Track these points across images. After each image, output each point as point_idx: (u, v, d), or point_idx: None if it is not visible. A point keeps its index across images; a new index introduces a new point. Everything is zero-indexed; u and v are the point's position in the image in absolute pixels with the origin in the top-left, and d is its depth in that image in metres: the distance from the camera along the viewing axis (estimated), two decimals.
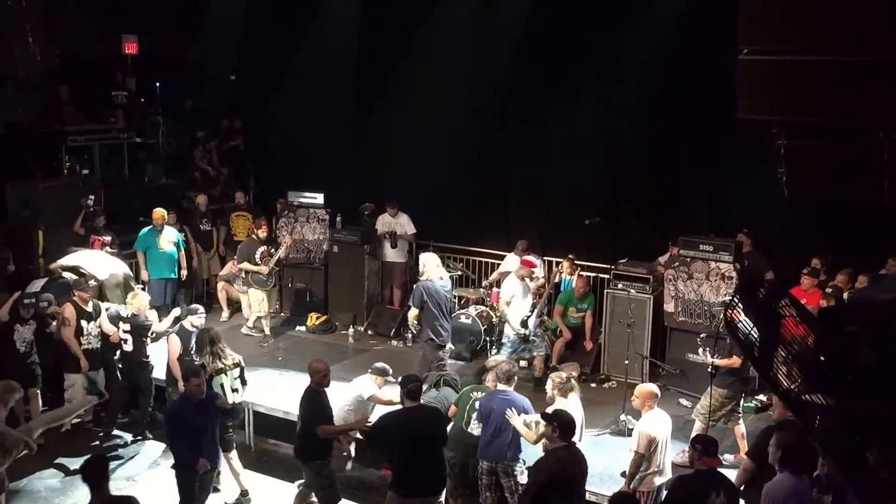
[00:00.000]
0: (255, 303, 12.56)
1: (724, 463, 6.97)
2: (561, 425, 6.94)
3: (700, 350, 9.24)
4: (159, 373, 10.18)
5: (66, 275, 11.13)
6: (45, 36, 14.52)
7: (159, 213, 12.59)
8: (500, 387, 8.09)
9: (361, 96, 15.78)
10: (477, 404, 8.18)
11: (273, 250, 12.50)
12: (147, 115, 15.85)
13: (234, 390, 8.97)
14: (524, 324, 10.57)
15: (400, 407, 7.83)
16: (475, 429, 8.18)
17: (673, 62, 12.44)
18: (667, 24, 12.45)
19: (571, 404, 7.94)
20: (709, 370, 9.03)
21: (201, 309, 10.11)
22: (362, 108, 15.78)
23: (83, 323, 10.13)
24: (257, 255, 12.43)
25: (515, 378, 8.22)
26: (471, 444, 8.16)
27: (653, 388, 8.06)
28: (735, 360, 8.90)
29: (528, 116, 14.26)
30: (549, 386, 8.24)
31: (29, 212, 12.91)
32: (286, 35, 16.01)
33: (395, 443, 7.56)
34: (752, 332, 5.60)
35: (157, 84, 16.34)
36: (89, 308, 10.22)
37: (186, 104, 16.78)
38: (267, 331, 12.59)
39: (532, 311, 10.60)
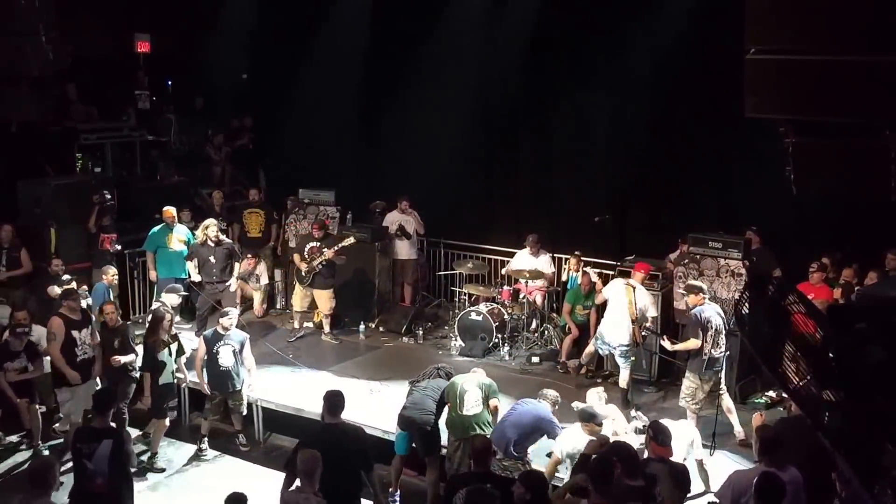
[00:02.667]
0: (296, 297, 12.60)
1: (673, 453, 7.02)
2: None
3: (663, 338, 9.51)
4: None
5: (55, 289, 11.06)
6: (57, 35, 14.50)
7: (170, 211, 12.61)
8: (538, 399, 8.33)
9: (372, 94, 15.80)
10: (465, 386, 8.45)
11: (325, 249, 12.33)
12: (159, 113, 15.89)
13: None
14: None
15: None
16: (469, 409, 8.40)
17: (681, 61, 12.47)
18: (675, 22, 12.48)
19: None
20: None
21: (232, 311, 10.23)
22: (373, 105, 15.81)
23: (74, 333, 9.51)
24: (306, 250, 12.46)
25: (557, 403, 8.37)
26: (467, 425, 8.39)
27: None
28: (693, 343, 9.19)
29: (537, 114, 14.30)
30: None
31: (41, 210, 12.94)
32: (298, 34, 16.07)
33: None
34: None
35: (169, 82, 16.46)
36: (78, 316, 9.69)
37: (198, 103, 16.82)
38: (296, 324, 12.70)
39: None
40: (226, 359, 9.82)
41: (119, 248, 12.68)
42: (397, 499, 8.90)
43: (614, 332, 10.28)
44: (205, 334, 10.10)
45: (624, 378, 10.30)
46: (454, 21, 14.58)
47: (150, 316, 9.84)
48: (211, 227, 11.88)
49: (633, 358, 10.34)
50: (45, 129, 14.34)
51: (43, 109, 14.37)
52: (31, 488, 6.41)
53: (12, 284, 11.80)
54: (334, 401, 7.27)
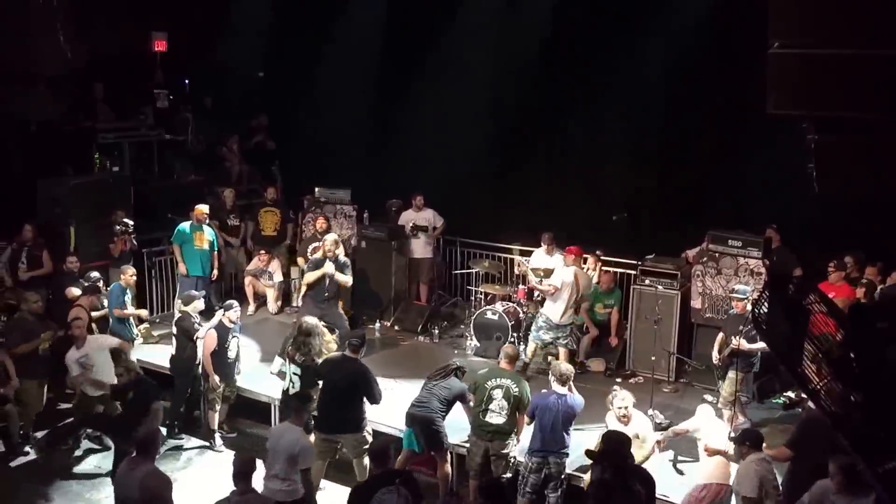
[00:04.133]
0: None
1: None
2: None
3: (733, 339, 9.30)
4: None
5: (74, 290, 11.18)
6: (74, 33, 14.54)
7: (200, 209, 12.56)
8: (556, 388, 8.31)
9: (388, 92, 15.80)
10: (496, 393, 8.45)
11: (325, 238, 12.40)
12: (176, 112, 15.92)
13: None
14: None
15: None
16: (493, 417, 8.45)
17: (701, 56, 12.41)
18: (695, 17, 12.43)
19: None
20: (719, 360, 9.61)
21: (236, 304, 10.29)
22: (388, 103, 15.81)
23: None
24: (309, 251, 12.49)
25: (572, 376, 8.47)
26: (487, 431, 8.48)
27: None
28: (762, 345, 9.00)
29: (553, 111, 14.24)
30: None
31: (60, 209, 12.98)
32: (313, 32, 16.10)
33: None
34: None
35: (186, 81, 16.49)
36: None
37: (207, 102, 16.87)
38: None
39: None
40: (233, 351, 10.10)
41: (136, 244, 12.67)
42: None
43: (559, 312, 10.71)
44: (214, 327, 10.06)
45: (564, 354, 10.74)
46: (469, 18, 14.57)
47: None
48: (328, 241, 11.51)
49: (570, 337, 10.97)
50: (63, 129, 14.42)
51: (61, 108, 14.51)
52: (138, 454, 6.85)
53: (33, 284, 11.80)
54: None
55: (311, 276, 11.33)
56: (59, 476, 9.59)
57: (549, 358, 11.01)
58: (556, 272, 11.01)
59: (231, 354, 10.08)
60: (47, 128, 14.37)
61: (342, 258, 11.68)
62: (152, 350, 11.59)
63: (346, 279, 11.39)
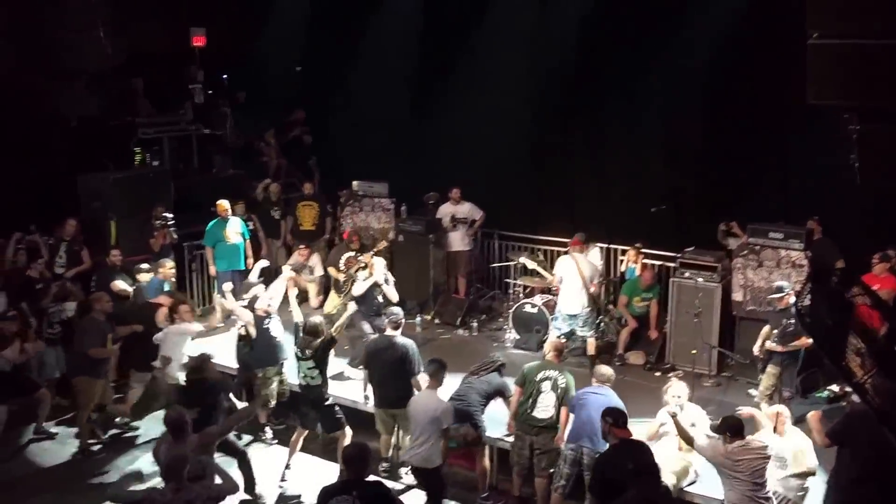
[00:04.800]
0: (329, 302, 12.69)
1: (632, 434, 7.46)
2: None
3: (771, 341, 9.24)
4: None
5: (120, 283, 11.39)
6: (114, 30, 14.66)
7: (223, 205, 12.77)
8: (596, 384, 8.41)
9: (425, 85, 15.83)
10: (544, 386, 8.51)
11: (359, 256, 12.41)
12: (214, 107, 16.11)
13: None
14: None
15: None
16: (540, 412, 8.50)
17: (740, 45, 12.31)
18: (734, 6, 12.32)
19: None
20: (758, 352, 9.58)
21: (261, 291, 10.38)
22: (426, 96, 15.83)
23: None
24: (342, 261, 12.61)
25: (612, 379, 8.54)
26: (533, 425, 8.52)
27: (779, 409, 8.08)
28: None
29: (591, 103, 14.18)
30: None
31: (101, 203, 13.23)
32: (350, 26, 16.18)
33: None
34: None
35: (224, 76, 16.65)
36: None
37: (241, 97, 17.01)
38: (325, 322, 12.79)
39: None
40: (276, 330, 10.14)
41: (176, 237, 12.84)
42: None
43: (572, 303, 10.87)
44: (255, 315, 10.15)
45: (592, 345, 10.98)
46: (506, 8, 14.57)
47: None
48: (378, 265, 11.37)
49: (601, 325, 11.30)
50: (104, 124, 14.64)
51: (101, 104, 14.71)
52: (171, 437, 7.09)
53: (73, 278, 12.03)
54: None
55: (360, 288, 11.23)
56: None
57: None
58: (556, 265, 11.27)
59: (275, 333, 10.09)
60: (88, 123, 14.60)
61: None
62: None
63: (393, 294, 11.35)
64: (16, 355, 9.95)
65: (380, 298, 11.13)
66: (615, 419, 7.36)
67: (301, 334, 9.28)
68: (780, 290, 9.56)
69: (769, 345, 9.28)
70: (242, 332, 10.17)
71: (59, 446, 10.37)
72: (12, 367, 9.98)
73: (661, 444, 8.22)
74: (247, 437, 10.35)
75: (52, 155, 14.43)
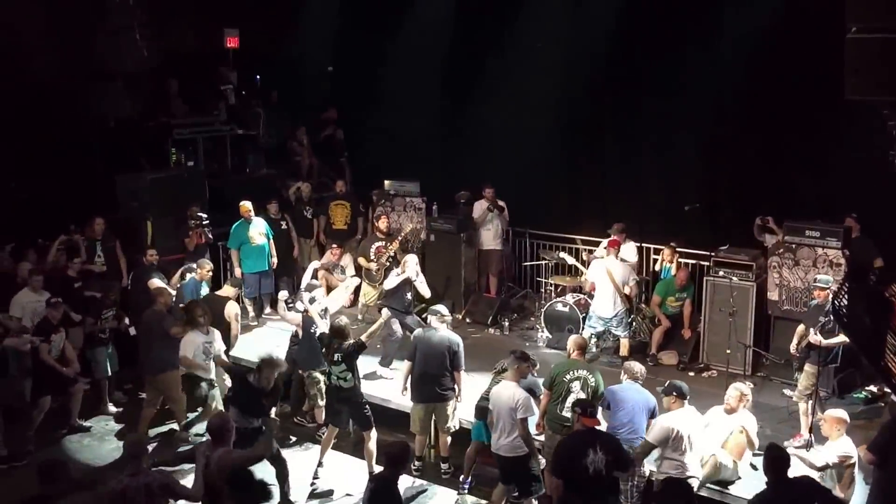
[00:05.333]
0: (363, 294, 12.91)
1: (601, 422, 7.75)
2: None
3: (813, 334, 9.07)
4: None
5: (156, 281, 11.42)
6: (151, 32, 14.78)
7: (245, 206, 12.81)
8: (628, 381, 8.38)
9: (457, 83, 15.81)
10: (574, 386, 8.44)
11: (389, 245, 12.64)
12: (247, 107, 16.20)
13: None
14: None
15: None
16: (567, 411, 8.38)
17: (777, 41, 12.13)
18: (770, 2, 12.15)
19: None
20: (794, 351, 9.47)
21: (320, 295, 10.41)
22: (458, 94, 15.81)
23: None
24: (372, 251, 12.61)
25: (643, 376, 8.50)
26: (565, 425, 8.41)
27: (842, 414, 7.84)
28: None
29: (624, 100, 14.08)
30: (734, 398, 8.29)
31: (137, 203, 13.34)
32: (381, 24, 16.18)
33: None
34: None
35: (258, 77, 16.73)
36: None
37: (273, 96, 17.08)
38: (359, 317, 12.91)
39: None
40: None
41: (211, 238, 12.94)
42: (467, 486, 9.02)
43: (606, 306, 11.08)
44: (301, 312, 10.25)
45: (625, 346, 11.20)
46: (538, 6, 14.50)
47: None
48: (411, 262, 11.25)
49: (633, 325, 11.50)
50: (140, 125, 14.74)
51: (137, 105, 14.81)
52: (213, 442, 7.01)
53: (107, 276, 12.15)
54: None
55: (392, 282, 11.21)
56: None
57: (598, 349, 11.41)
58: (588, 270, 11.39)
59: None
60: (125, 124, 14.69)
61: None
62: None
63: (426, 290, 11.34)
64: (62, 343, 10.15)
65: (409, 296, 11.14)
66: (583, 409, 7.49)
67: (326, 341, 9.28)
68: (823, 282, 9.40)
69: (811, 337, 9.11)
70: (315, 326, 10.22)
71: (97, 442, 10.49)
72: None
73: (703, 438, 8.16)
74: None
75: (91, 156, 14.56)
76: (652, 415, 8.23)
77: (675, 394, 7.93)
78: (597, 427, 7.50)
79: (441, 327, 9.42)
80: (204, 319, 9.98)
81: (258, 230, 12.85)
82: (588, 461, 7.09)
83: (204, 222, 12.86)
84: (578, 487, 7.13)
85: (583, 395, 8.41)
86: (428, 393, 9.28)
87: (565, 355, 9.13)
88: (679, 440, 7.70)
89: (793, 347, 9.57)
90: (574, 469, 7.13)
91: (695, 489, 7.90)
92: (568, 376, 8.51)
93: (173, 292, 11.33)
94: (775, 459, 6.54)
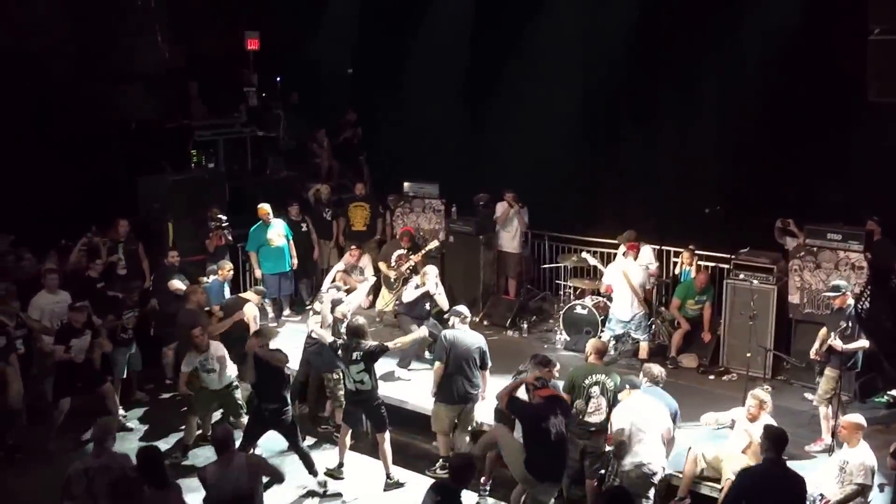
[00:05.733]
0: (381, 298, 12.98)
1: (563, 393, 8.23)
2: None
3: (833, 338, 8.98)
4: None
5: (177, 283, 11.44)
6: (172, 34, 14.86)
7: (264, 209, 12.82)
8: (647, 385, 8.33)
9: (475, 85, 15.85)
10: (594, 391, 8.38)
11: (410, 255, 12.66)
12: (267, 109, 16.25)
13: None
14: None
15: None
16: (592, 416, 8.38)
17: (798, 42, 12.09)
18: (791, 2, 12.13)
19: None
20: (815, 355, 9.29)
21: (346, 297, 10.45)
22: (476, 97, 15.87)
23: None
24: (393, 258, 12.68)
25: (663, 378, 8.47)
26: (587, 430, 8.40)
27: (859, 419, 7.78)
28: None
29: (644, 101, 14.06)
30: (754, 406, 8.21)
31: (159, 204, 13.36)
32: (401, 27, 16.26)
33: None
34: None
35: (278, 79, 16.75)
36: None
37: (293, 98, 17.10)
38: (378, 319, 12.95)
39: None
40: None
41: (231, 239, 12.97)
42: (488, 489, 8.95)
43: (624, 310, 11.10)
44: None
45: (644, 349, 11.19)
46: (557, 10, 14.51)
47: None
48: (431, 274, 11.25)
49: (653, 327, 11.42)
50: (161, 127, 14.81)
51: (159, 107, 14.85)
52: (219, 453, 7.12)
53: (128, 278, 12.17)
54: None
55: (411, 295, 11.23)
56: None
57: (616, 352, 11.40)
58: (605, 274, 11.39)
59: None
60: (146, 126, 14.76)
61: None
62: None
63: (444, 303, 11.32)
64: (86, 346, 10.13)
65: (428, 307, 11.15)
66: (539, 384, 8.00)
67: (341, 341, 9.28)
68: (836, 288, 9.24)
69: (831, 341, 9.02)
70: (313, 333, 10.28)
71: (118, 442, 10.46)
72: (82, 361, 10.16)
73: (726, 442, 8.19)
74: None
75: (112, 157, 14.60)
76: (674, 418, 8.18)
77: (627, 386, 8.28)
78: (553, 394, 7.99)
79: (466, 328, 9.41)
80: (201, 340, 9.87)
81: (277, 232, 12.88)
82: (550, 424, 7.65)
83: (224, 224, 12.86)
84: (545, 449, 7.74)
85: (603, 400, 8.36)
86: (460, 393, 9.24)
87: (583, 358, 9.08)
88: (635, 433, 7.91)
89: (813, 351, 9.46)
90: (540, 432, 7.68)
91: (655, 480, 7.95)
92: (587, 381, 8.46)
93: None
94: (777, 438, 6.85)
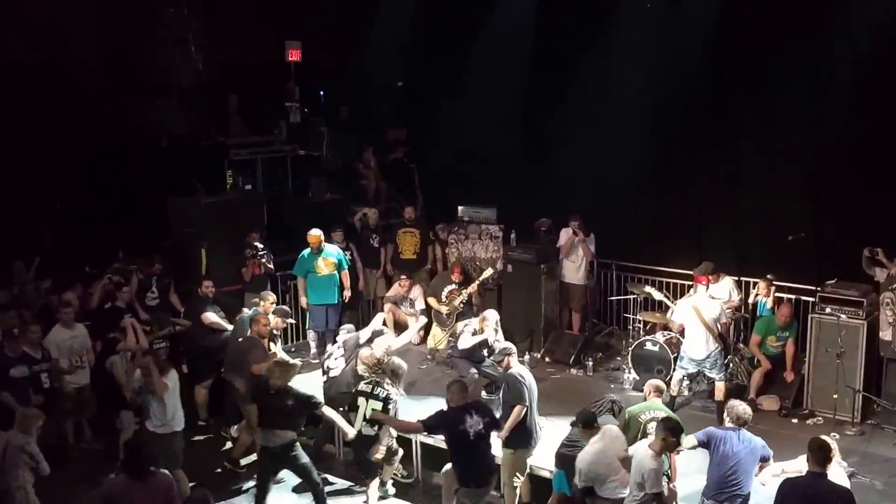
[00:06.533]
0: (432, 337, 13.41)
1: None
2: None
3: None
4: None
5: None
6: (206, 44, 15.21)
7: (315, 236, 13.09)
8: (730, 425, 8.39)
9: (536, 103, 15.99)
10: (651, 427, 8.65)
11: (462, 290, 13.16)
12: (310, 125, 16.41)
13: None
14: None
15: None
16: None
17: (887, 59, 12.27)
18: (880, 18, 12.33)
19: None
20: None
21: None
22: (538, 116, 16.01)
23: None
24: (444, 293, 13.16)
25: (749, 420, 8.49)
26: None
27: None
28: None
29: (720, 121, 14.17)
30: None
31: (192, 229, 13.82)
32: (456, 40, 16.51)
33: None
34: None
35: (321, 92, 17.13)
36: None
37: (343, 112, 17.37)
38: (430, 357, 13.41)
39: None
40: None
41: (272, 267, 13.42)
42: None
43: (698, 348, 10.99)
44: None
45: (720, 390, 11.01)
46: (625, 24, 14.77)
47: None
48: (489, 322, 11.61)
49: (730, 366, 11.43)
50: (195, 144, 15.11)
51: (193, 122, 15.14)
52: None
53: (160, 308, 12.94)
54: None
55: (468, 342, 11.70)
56: None
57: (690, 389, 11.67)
58: (675, 311, 11.48)
59: None
60: (179, 143, 15.10)
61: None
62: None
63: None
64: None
65: (485, 353, 11.53)
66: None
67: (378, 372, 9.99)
68: None
69: None
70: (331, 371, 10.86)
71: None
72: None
73: None
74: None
75: (142, 176, 15.07)
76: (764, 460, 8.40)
77: (581, 425, 8.87)
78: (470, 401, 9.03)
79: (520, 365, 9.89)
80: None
81: (328, 259, 13.14)
82: (467, 426, 8.66)
83: (260, 252, 13.24)
84: (464, 453, 8.86)
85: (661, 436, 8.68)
86: (536, 436, 9.73)
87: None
88: (613, 473, 8.48)
89: None
90: (457, 435, 8.74)
91: None
92: (644, 416, 8.87)
93: (229, 326, 11.92)
94: (819, 448, 7.30)
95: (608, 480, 8.44)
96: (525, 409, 9.36)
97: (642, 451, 8.25)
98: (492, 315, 11.65)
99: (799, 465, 8.05)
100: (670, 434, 8.13)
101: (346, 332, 11.27)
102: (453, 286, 13.28)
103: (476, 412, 8.84)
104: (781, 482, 7.58)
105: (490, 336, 11.42)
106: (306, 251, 13.28)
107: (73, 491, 10.14)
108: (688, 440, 8.49)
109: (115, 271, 12.71)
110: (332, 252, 13.33)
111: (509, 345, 10.05)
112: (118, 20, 14.66)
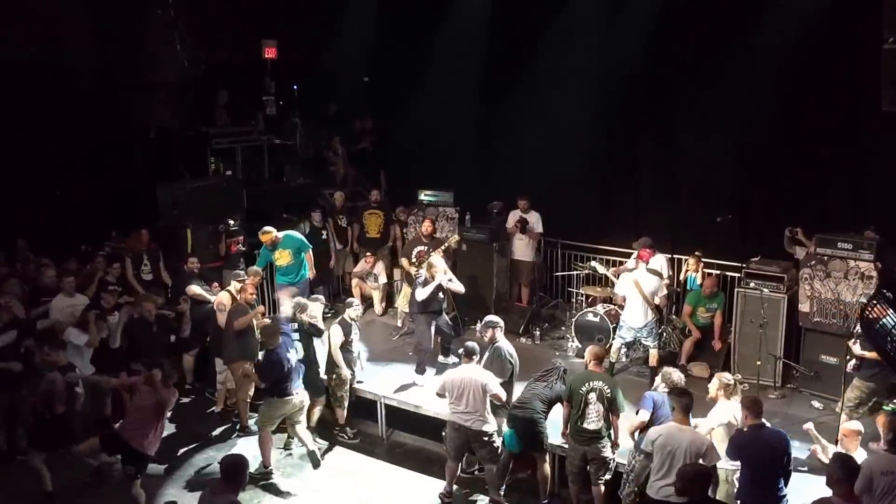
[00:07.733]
0: (402, 297, 12.85)
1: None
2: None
3: (853, 342, 9.04)
4: None
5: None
6: (191, 43, 15.01)
7: (266, 234, 12.06)
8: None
9: (490, 95, 15.82)
10: (591, 397, 8.36)
11: (432, 251, 12.45)
12: (285, 117, 16.34)
13: None
14: None
15: None
16: (590, 423, 8.38)
17: (811, 52, 12.02)
18: (806, 11, 12.03)
19: (732, 407, 8.06)
20: (850, 367, 9.14)
21: (356, 301, 10.70)
22: (491, 105, 15.83)
23: None
24: (414, 254, 12.65)
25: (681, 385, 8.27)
26: (584, 436, 8.41)
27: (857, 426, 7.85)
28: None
29: (658, 109, 14.02)
30: (713, 386, 8.29)
31: (178, 211, 13.31)
32: (416, 38, 16.24)
33: None
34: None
35: (295, 87, 16.83)
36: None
37: (331, 108, 17.26)
38: (399, 323, 12.92)
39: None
40: (356, 345, 10.42)
41: (244, 249, 13.02)
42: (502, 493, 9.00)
43: (637, 317, 10.75)
44: (338, 323, 10.30)
45: (654, 357, 10.80)
46: (573, 17, 14.49)
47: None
48: (438, 270, 11.12)
49: (663, 335, 11.14)
50: (180, 134, 14.94)
51: (178, 115, 15.04)
52: (224, 482, 6.47)
53: (153, 283, 12.29)
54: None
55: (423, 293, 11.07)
56: None
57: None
58: (617, 284, 11.22)
59: (355, 348, 10.39)
60: (166, 133, 14.92)
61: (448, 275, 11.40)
62: None
63: (459, 287, 11.33)
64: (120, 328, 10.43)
65: (441, 296, 11.15)
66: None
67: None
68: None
69: (855, 349, 9.05)
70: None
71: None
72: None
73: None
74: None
75: (133, 164, 14.82)
76: None
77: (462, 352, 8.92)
78: None
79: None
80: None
81: (283, 251, 12.24)
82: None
83: (231, 228, 12.91)
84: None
85: (599, 406, 8.36)
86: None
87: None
88: (461, 396, 8.62)
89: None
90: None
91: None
92: (584, 388, 8.45)
93: (212, 298, 11.43)
94: (753, 403, 7.37)
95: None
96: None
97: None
98: (438, 261, 11.23)
99: (709, 423, 8.07)
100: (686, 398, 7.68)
101: (315, 299, 10.84)
102: (423, 247, 12.67)
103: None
104: (733, 436, 7.59)
105: (442, 279, 11.00)
106: (264, 249, 12.45)
107: None
108: (642, 414, 8.23)
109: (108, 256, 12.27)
110: (288, 244, 12.34)
111: (496, 317, 9.72)
112: (110, 22, 14.43)
